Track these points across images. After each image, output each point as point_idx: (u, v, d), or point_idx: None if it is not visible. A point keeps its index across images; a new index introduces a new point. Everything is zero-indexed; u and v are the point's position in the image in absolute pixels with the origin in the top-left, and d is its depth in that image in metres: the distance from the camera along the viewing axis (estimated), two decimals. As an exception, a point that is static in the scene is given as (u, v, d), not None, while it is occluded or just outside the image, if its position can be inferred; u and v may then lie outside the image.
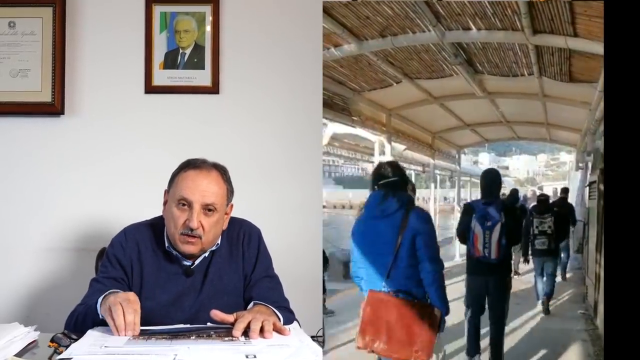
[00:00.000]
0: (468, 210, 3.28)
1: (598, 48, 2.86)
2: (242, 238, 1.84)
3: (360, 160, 8.22)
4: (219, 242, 1.80)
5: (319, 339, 1.56)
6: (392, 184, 2.22)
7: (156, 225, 1.83)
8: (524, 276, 6.05)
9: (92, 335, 1.45)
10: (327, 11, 2.80)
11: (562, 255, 5.87)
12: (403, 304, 2.13)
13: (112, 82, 2.52)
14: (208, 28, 2.51)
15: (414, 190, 3.20)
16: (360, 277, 2.31)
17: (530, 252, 4.93)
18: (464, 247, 3.46)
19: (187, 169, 1.76)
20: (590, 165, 5.90)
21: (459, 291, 3.52)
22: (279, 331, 1.48)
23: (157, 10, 2.51)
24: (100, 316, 1.52)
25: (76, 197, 2.50)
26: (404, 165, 8.36)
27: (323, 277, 2.74)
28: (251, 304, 1.69)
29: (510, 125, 7.24)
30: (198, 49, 2.52)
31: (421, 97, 5.02)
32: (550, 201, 5.57)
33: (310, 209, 2.55)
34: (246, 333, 1.43)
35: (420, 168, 8.74)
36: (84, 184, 2.50)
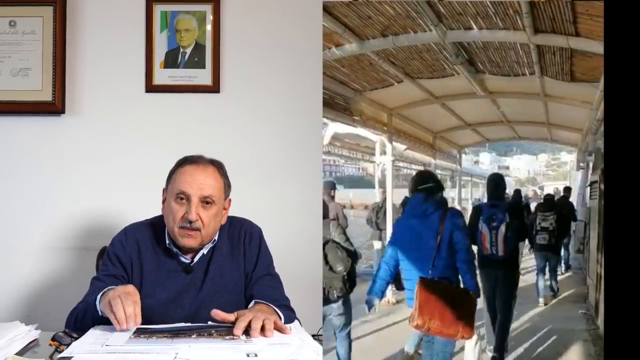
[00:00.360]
0: (476, 212, 3.58)
1: (599, 48, 2.86)
2: (243, 237, 1.85)
3: (361, 160, 8.22)
4: (216, 238, 1.81)
5: (320, 337, 1.56)
6: (430, 189, 2.63)
7: (156, 225, 1.84)
8: (524, 276, 6.06)
9: (93, 334, 1.46)
10: (328, 10, 2.79)
11: (563, 252, 6.16)
12: (448, 288, 2.50)
13: (113, 81, 2.52)
14: (209, 27, 2.51)
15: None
16: (386, 274, 2.66)
17: (532, 247, 5.28)
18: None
19: (184, 165, 1.78)
20: (591, 165, 5.89)
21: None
22: (280, 330, 1.48)
23: (158, 9, 2.51)
24: (100, 313, 1.53)
25: (77, 196, 2.50)
26: (404, 165, 8.40)
27: (355, 270, 2.90)
28: (252, 302, 1.69)
29: (511, 125, 7.22)
30: (199, 48, 2.52)
31: (422, 97, 5.01)
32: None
33: (310, 209, 2.55)
34: (247, 332, 1.43)
35: (421, 168, 8.73)
36: (84, 182, 2.50)
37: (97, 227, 2.47)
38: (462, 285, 2.59)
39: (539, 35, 3.08)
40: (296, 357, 1.28)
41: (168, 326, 1.52)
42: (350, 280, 2.84)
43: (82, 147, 2.52)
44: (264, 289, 1.77)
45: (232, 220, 1.87)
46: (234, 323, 1.45)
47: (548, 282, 5.32)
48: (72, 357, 1.25)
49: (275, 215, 2.47)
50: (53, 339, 1.40)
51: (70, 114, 2.50)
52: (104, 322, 1.52)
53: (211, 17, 2.51)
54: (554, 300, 5.26)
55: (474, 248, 3.67)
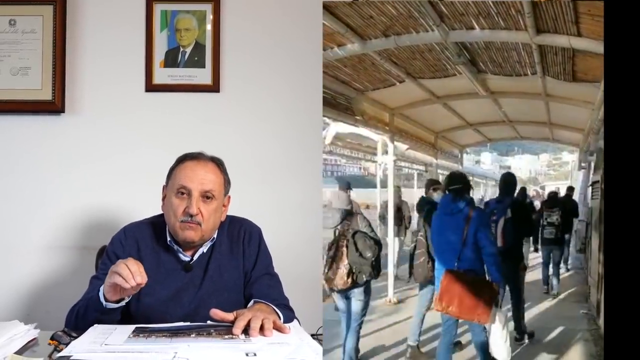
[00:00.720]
0: (485, 207, 3.82)
1: (601, 48, 2.84)
2: (243, 236, 1.85)
3: (363, 159, 8.21)
4: (215, 236, 1.81)
5: (319, 337, 1.56)
6: (459, 189, 2.89)
7: (156, 224, 1.84)
8: (528, 274, 6.05)
9: (92, 333, 1.45)
10: (330, 10, 2.78)
11: (565, 248, 6.29)
12: (471, 279, 2.75)
13: (113, 80, 2.52)
14: (209, 26, 2.51)
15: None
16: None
17: (539, 241, 5.48)
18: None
19: (185, 161, 1.80)
20: (592, 165, 5.88)
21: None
22: (279, 329, 1.48)
23: (158, 8, 2.51)
24: (104, 305, 1.53)
25: (76, 195, 2.50)
26: (406, 164, 8.39)
27: (379, 260, 3.05)
28: (251, 302, 1.69)
29: (513, 125, 7.20)
30: (199, 47, 2.52)
31: (424, 97, 5.00)
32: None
33: (310, 209, 2.55)
34: (246, 331, 1.43)
35: (422, 167, 8.71)
36: (84, 182, 2.51)
37: (96, 226, 2.47)
38: (487, 277, 2.83)
39: (540, 35, 3.08)
40: (295, 356, 1.28)
41: (167, 325, 1.51)
42: (377, 266, 3.06)
43: (81, 146, 2.52)
44: (263, 288, 1.77)
45: (231, 219, 1.88)
46: (233, 322, 1.45)
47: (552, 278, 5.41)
48: (71, 356, 1.25)
49: (275, 215, 2.47)
50: (52, 338, 1.40)
51: (70, 113, 2.50)
52: (106, 320, 1.52)
53: (211, 17, 2.51)
54: (555, 300, 5.25)
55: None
